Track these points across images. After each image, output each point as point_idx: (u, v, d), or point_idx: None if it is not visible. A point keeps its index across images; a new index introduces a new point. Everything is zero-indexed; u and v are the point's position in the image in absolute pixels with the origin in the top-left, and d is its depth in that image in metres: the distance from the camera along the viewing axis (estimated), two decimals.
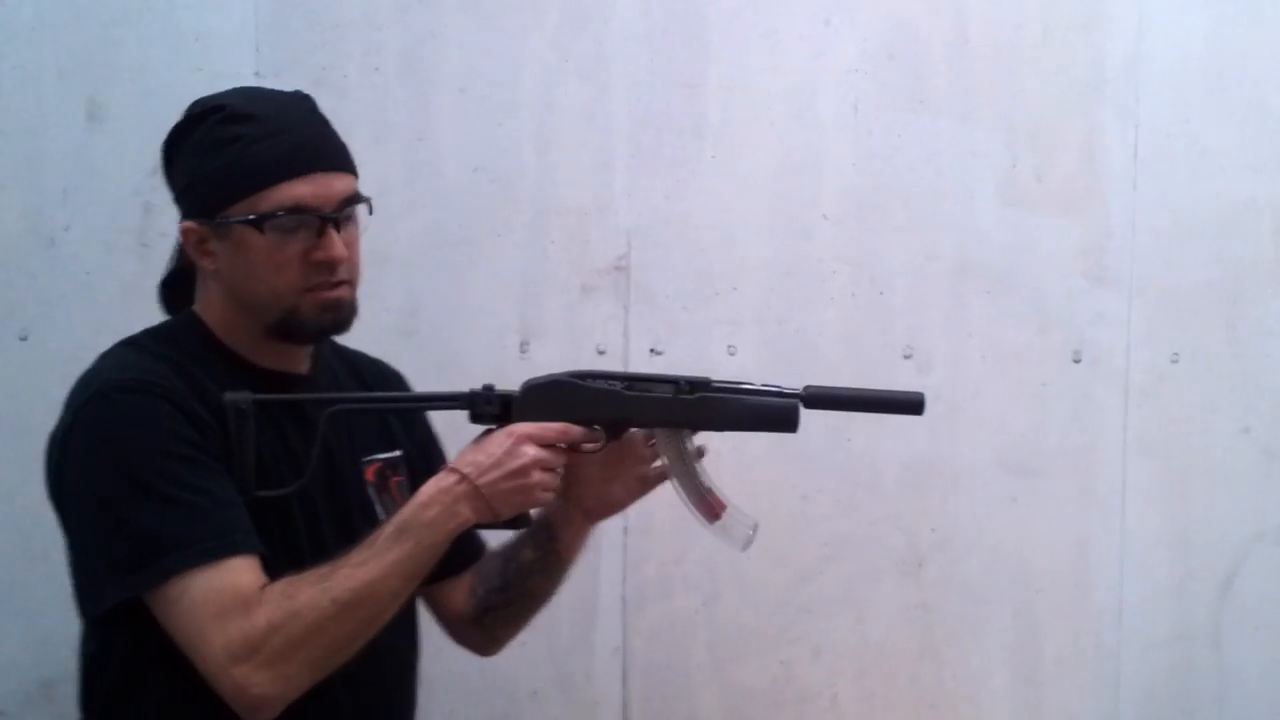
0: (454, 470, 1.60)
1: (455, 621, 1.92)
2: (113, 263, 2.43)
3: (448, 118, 2.48)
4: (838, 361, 2.50)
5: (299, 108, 1.69)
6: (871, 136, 2.54)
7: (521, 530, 1.80)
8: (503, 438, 1.62)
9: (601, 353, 2.47)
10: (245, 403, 1.58)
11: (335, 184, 1.64)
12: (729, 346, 2.51)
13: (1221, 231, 2.57)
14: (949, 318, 2.55)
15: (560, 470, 1.65)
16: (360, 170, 2.39)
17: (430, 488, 1.59)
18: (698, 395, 1.69)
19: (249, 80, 2.42)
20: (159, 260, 2.38)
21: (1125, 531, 2.58)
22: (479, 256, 2.46)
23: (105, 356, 1.68)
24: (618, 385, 1.70)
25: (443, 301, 2.47)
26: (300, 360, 1.74)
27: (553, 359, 2.27)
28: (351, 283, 1.68)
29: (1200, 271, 2.57)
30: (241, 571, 1.51)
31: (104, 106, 2.43)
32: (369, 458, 1.76)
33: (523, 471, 1.60)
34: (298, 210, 1.60)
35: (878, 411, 1.82)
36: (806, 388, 1.70)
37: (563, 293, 2.49)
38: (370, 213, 1.71)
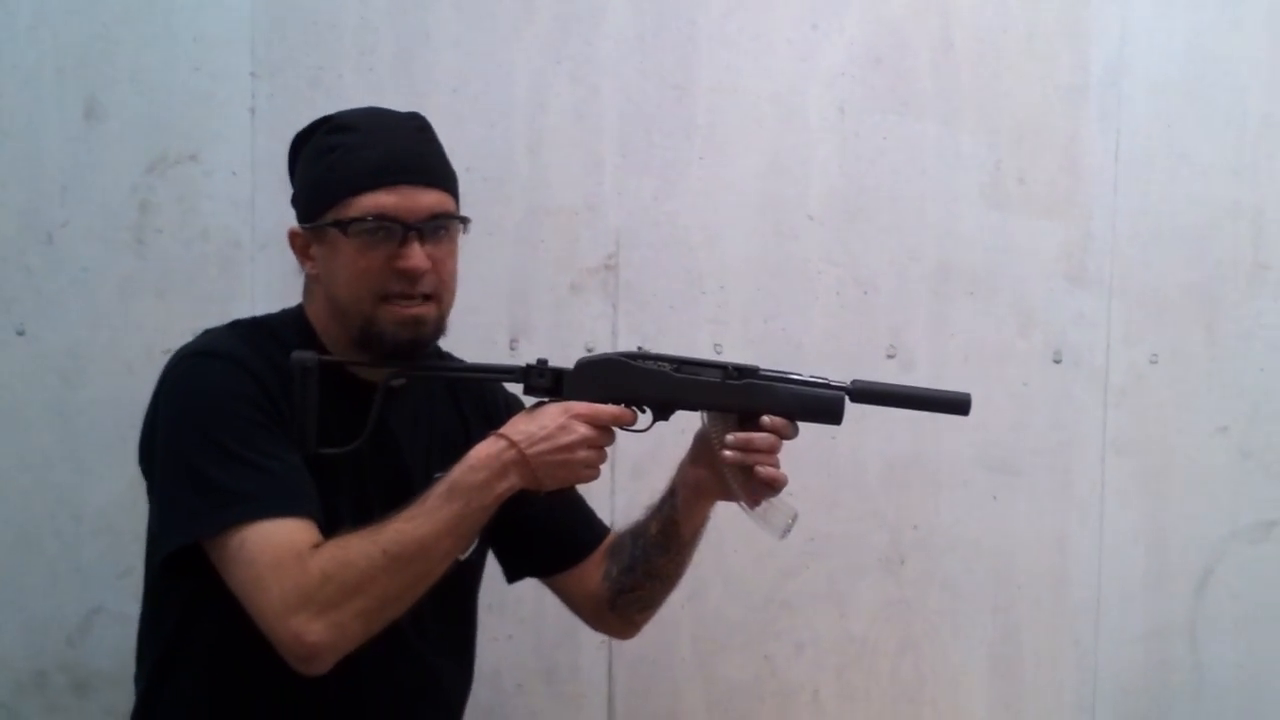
0: (504, 437, 1.64)
1: (591, 607, 1.97)
2: (110, 259, 2.45)
3: (441, 118, 2.45)
4: (822, 360, 2.52)
5: (403, 125, 1.76)
6: (857, 139, 2.58)
7: (649, 507, 1.87)
8: (557, 412, 1.66)
9: (589, 351, 2.50)
10: (310, 361, 1.63)
11: (422, 198, 1.70)
12: (715, 345, 2.54)
13: (1200, 235, 2.61)
14: (932, 318, 2.58)
15: (606, 451, 1.69)
16: None
17: (480, 452, 1.63)
18: (745, 381, 1.72)
19: (245, 80, 2.46)
20: (156, 257, 2.45)
21: (1103, 529, 2.62)
22: (470, 255, 2.44)
23: (203, 333, 1.76)
24: (668, 367, 1.73)
25: None
26: (378, 371, 1.77)
27: (541, 356, 2.30)
28: (438, 300, 1.73)
29: (1179, 274, 2.61)
30: (298, 529, 1.57)
31: (102, 105, 2.45)
32: (441, 474, 1.72)
33: (570, 448, 1.64)
34: (381, 218, 1.66)
35: (923, 409, 1.86)
36: (854, 381, 1.75)
37: (552, 291, 2.52)
38: (465, 231, 1.77)
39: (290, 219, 2.43)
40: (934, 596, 2.62)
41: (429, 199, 1.70)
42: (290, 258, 2.42)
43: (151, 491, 1.68)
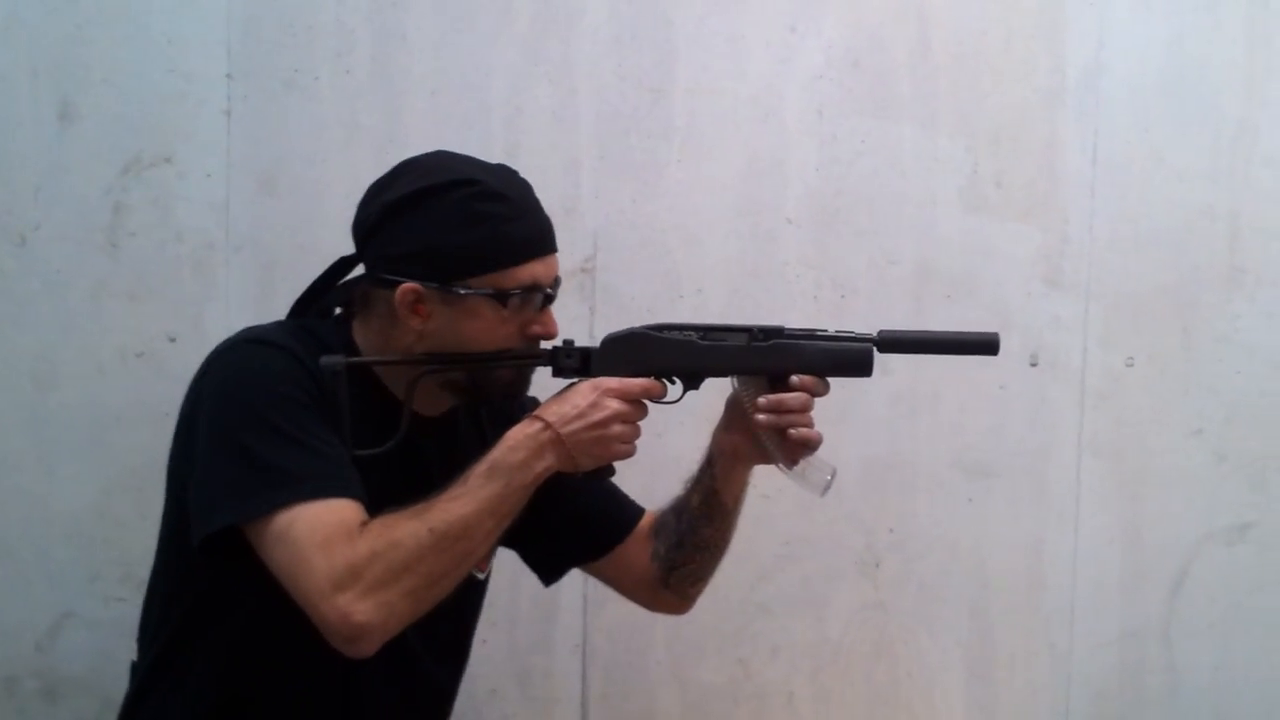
0: (538, 418, 1.66)
1: (643, 588, 1.99)
2: (83, 262, 2.44)
3: (418, 120, 2.50)
4: None
5: (530, 190, 1.77)
6: (835, 142, 2.57)
7: (688, 480, 1.89)
8: (588, 390, 1.68)
9: None
10: (339, 364, 1.65)
11: (555, 265, 1.76)
12: None
13: (1177, 238, 2.61)
14: (909, 321, 2.57)
15: (640, 424, 1.71)
16: (331, 172, 2.44)
17: (517, 433, 1.65)
18: (771, 342, 1.74)
19: (220, 82, 2.45)
20: (128, 259, 2.44)
21: (1079, 531, 2.63)
22: None
23: (246, 328, 1.77)
24: (694, 336, 1.75)
25: None
26: (439, 407, 1.80)
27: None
28: None
29: (1156, 277, 2.61)
30: (347, 509, 1.58)
31: (76, 106, 2.44)
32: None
33: (604, 424, 1.67)
34: (534, 289, 1.70)
35: (951, 353, 1.84)
36: (880, 332, 1.76)
37: None
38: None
39: (269, 223, 2.46)
40: (910, 599, 2.63)
41: (557, 265, 1.77)
42: (264, 260, 2.45)
43: (187, 472, 1.66)
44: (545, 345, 1.76)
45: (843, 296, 2.58)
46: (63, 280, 2.45)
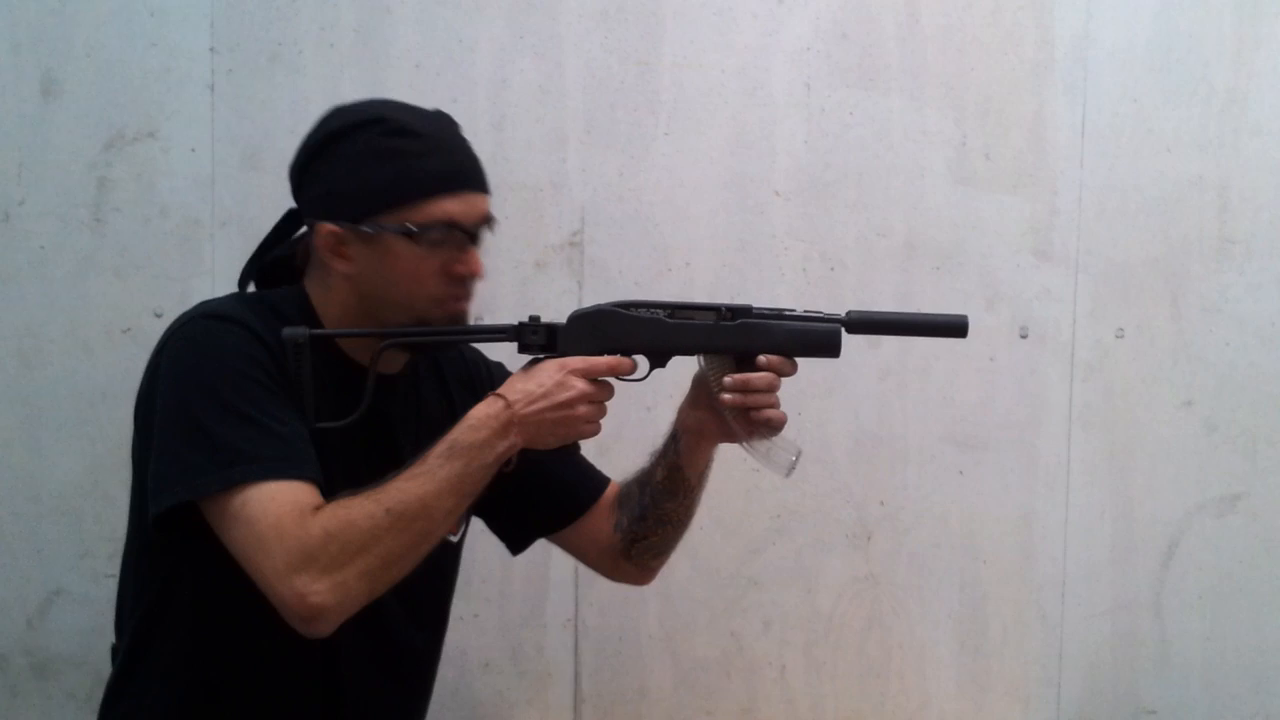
0: (501, 396, 1.64)
1: (606, 558, 1.98)
2: (67, 237, 2.44)
3: (402, 93, 2.43)
4: None
5: (452, 128, 1.75)
6: (823, 114, 2.57)
7: (653, 454, 1.88)
8: (554, 369, 1.67)
9: None
10: (302, 336, 1.64)
11: (479, 204, 1.72)
12: None
13: (1166, 209, 2.60)
14: (899, 293, 2.57)
15: (605, 404, 1.70)
16: None
17: (479, 411, 1.63)
18: (739, 321, 1.73)
19: (203, 55, 2.44)
20: (113, 235, 2.43)
21: (1069, 503, 2.62)
22: None
23: (202, 302, 1.73)
24: (661, 313, 1.73)
25: None
26: (397, 363, 1.78)
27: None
28: (472, 295, 1.75)
29: (1145, 248, 2.61)
30: (301, 490, 1.56)
31: (59, 82, 2.43)
32: None
33: (569, 404, 1.65)
34: (450, 225, 1.67)
35: (920, 335, 1.86)
36: (849, 312, 1.74)
37: (516, 268, 2.51)
38: (492, 232, 1.76)
39: (254, 198, 2.45)
40: (901, 572, 2.63)
41: (483, 204, 1.73)
42: (250, 234, 2.43)
43: (145, 450, 1.64)
44: (510, 320, 1.74)
45: (831, 269, 2.57)
46: (47, 256, 2.44)
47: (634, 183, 2.54)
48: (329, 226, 1.67)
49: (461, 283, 1.71)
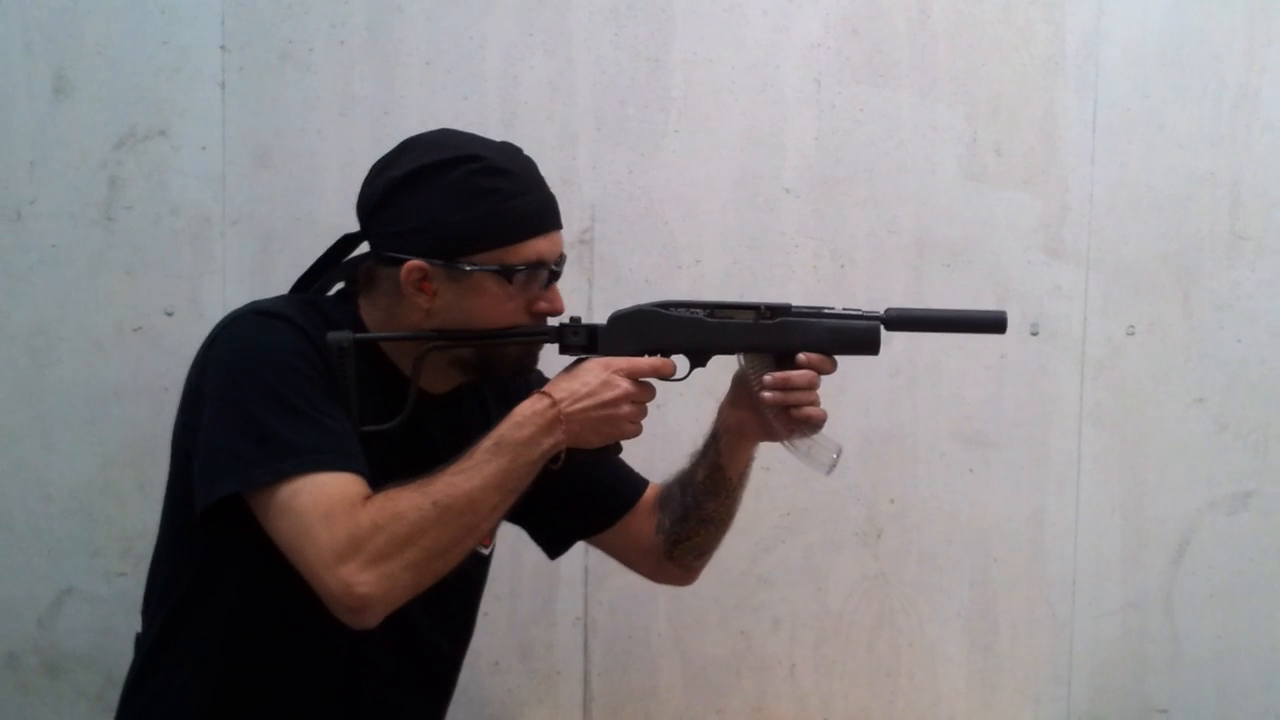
0: (547, 395, 1.66)
1: (648, 560, 1.99)
2: (79, 236, 2.44)
3: (413, 91, 2.49)
4: None
5: (532, 165, 1.76)
6: (834, 111, 2.56)
7: (693, 454, 1.90)
8: (598, 369, 1.68)
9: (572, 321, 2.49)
10: (346, 341, 1.65)
11: (560, 241, 1.75)
12: None
13: (1178, 205, 2.59)
14: (909, 290, 2.57)
15: (648, 404, 1.71)
16: (326, 144, 2.44)
17: (525, 409, 1.65)
18: (779, 320, 1.74)
19: (214, 53, 2.44)
20: (124, 233, 2.44)
21: (1080, 501, 2.62)
22: None
23: (253, 301, 1.75)
24: (700, 313, 1.75)
25: None
26: (449, 382, 1.79)
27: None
28: None
29: (1156, 245, 2.60)
30: (350, 482, 1.57)
31: (70, 80, 2.43)
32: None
33: (613, 403, 1.67)
34: (539, 265, 1.70)
35: (960, 331, 1.86)
36: (888, 310, 1.76)
37: None
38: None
39: (265, 196, 2.46)
40: (911, 570, 2.62)
41: (560, 240, 1.75)
42: (261, 233, 2.44)
43: (190, 442, 1.65)
44: (551, 322, 1.75)
45: (842, 267, 2.57)
46: (59, 255, 2.44)
47: (644, 180, 2.53)
48: (417, 262, 1.67)
49: (541, 318, 1.74)
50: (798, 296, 2.49)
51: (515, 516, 1.89)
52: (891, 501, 2.61)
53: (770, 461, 2.53)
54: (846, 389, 2.54)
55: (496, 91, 2.50)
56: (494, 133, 2.41)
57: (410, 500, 1.56)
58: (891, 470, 2.61)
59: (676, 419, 2.36)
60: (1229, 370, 2.61)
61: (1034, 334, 2.60)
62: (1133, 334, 2.61)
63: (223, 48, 2.45)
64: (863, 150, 2.56)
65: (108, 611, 2.47)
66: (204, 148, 2.45)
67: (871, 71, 2.56)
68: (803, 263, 2.56)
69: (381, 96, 2.48)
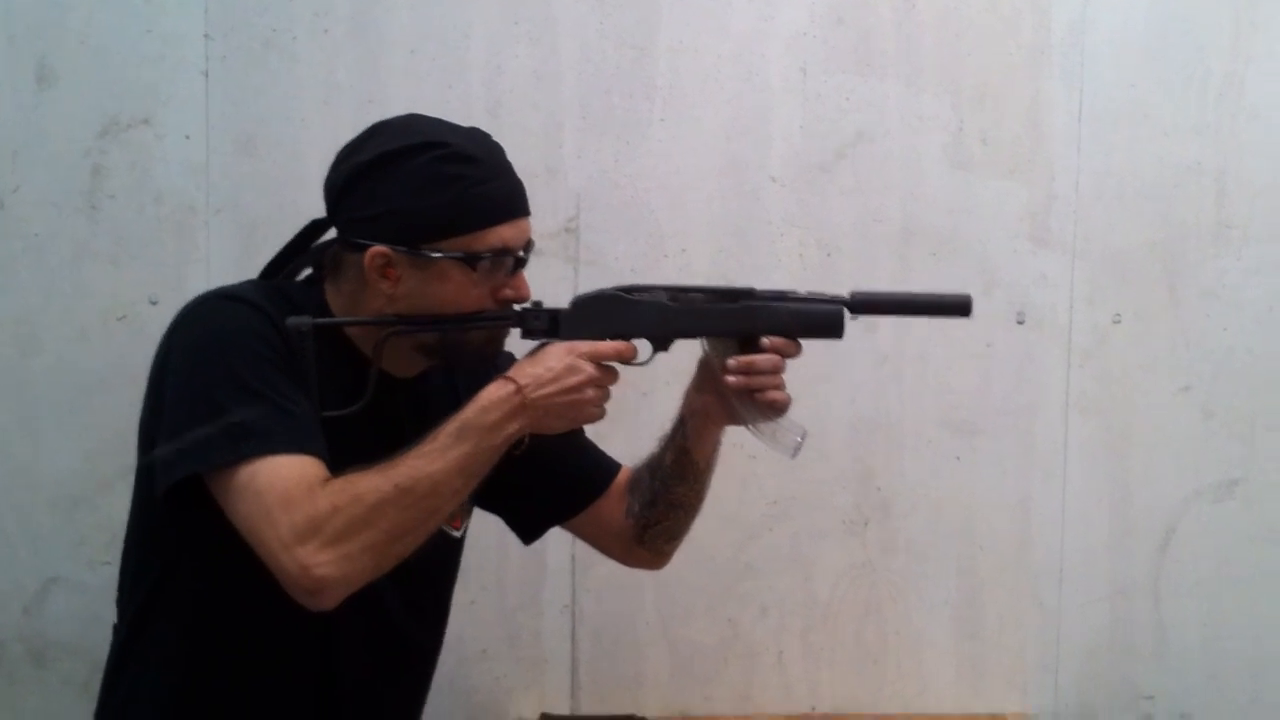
0: (510, 380, 1.64)
1: (619, 544, 1.98)
2: (62, 225, 2.44)
3: (397, 80, 2.48)
4: None
5: (500, 152, 1.75)
6: (820, 100, 2.56)
7: (661, 439, 1.88)
8: (562, 353, 1.67)
9: None
10: (305, 325, 1.63)
11: (527, 228, 1.74)
12: None
13: (1163, 194, 2.59)
14: (895, 279, 2.56)
15: (610, 389, 1.70)
16: (310, 132, 2.43)
17: (489, 394, 1.64)
18: (741, 304, 1.73)
19: (198, 42, 2.44)
20: (108, 222, 2.43)
21: (1066, 489, 2.62)
22: None
23: (219, 287, 1.74)
24: (663, 297, 1.73)
25: None
26: (415, 367, 1.79)
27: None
28: None
29: (1142, 233, 2.60)
30: (309, 465, 1.57)
31: (53, 69, 2.43)
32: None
33: (577, 388, 1.65)
34: (504, 252, 1.68)
35: (924, 314, 1.86)
36: (853, 293, 1.74)
37: None
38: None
39: (249, 184, 2.45)
40: (898, 558, 2.63)
41: (528, 228, 1.74)
42: (245, 221, 2.44)
43: (156, 429, 1.64)
44: (521, 305, 1.74)
45: (828, 255, 2.57)
46: (42, 244, 2.44)
47: (629, 168, 2.53)
48: (381, 248, 1.66)
49: (507, 305, 1.72)
50: (783, 284, 2.48)
51: (488, 502, 1.89)
52: (878, 490, 2.61)
53: (756, 450, 2.51)
54: (833, 377, 2.54)
55: (481, 80, 2.50)
56: (479, 121, 2.40)
57: (370, 483, 1.55)
58: (878, 459, 2.61)
59: (662, 406, 2.34)
60: (1215, 359, 2.62)
61: (1020, 323, 2.60)
62: (1119, 322, 2.61)
63: (206, 36, 2.45)
64: (848, 139, 2.56)
65: (93, 600, 2.47)
66: (187, 136, 2.45)
67: (857, 60, 2.56)
68: (788, 251, 2.56)
69: (365, 85, 2.47)
